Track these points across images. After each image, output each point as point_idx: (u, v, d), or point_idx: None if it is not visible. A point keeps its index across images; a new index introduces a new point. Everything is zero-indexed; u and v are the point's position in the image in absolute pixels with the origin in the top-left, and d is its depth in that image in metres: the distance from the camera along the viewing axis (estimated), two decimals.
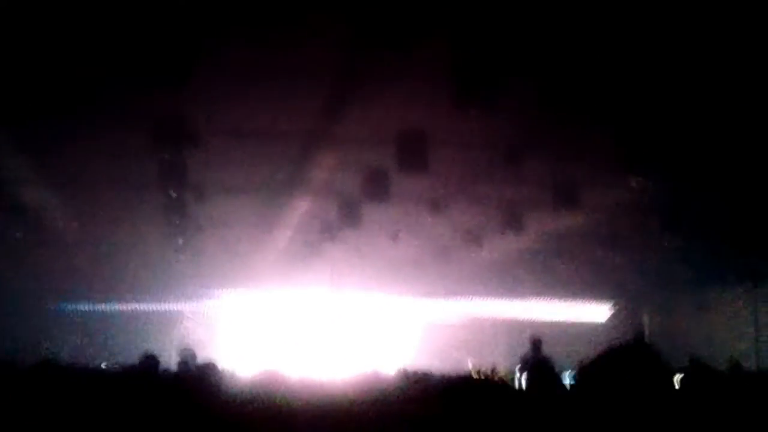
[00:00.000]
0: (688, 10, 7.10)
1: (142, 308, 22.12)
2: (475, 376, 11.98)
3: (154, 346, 12.99)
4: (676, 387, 7.58)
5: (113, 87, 8.92)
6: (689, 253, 16.51)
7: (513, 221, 14.69)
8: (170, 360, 12.06)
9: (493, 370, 15.02)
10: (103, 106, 9.65)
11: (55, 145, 11.20)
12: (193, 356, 10.53)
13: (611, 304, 23.78)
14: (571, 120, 9.91)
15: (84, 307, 22.01)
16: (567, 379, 11.78)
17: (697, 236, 15.01)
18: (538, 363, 12.76)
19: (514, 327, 21.10)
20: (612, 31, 7.72)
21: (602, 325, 23.56)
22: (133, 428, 5.23)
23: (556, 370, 12.38)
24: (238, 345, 22.24)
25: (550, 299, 22.55)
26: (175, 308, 22.89)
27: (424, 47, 7.67)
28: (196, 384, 7.59)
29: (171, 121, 10.12)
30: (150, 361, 9.68)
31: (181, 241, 16.54)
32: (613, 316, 23.63)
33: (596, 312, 23.93)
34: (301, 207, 14.79)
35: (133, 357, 11.09)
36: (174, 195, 12.95)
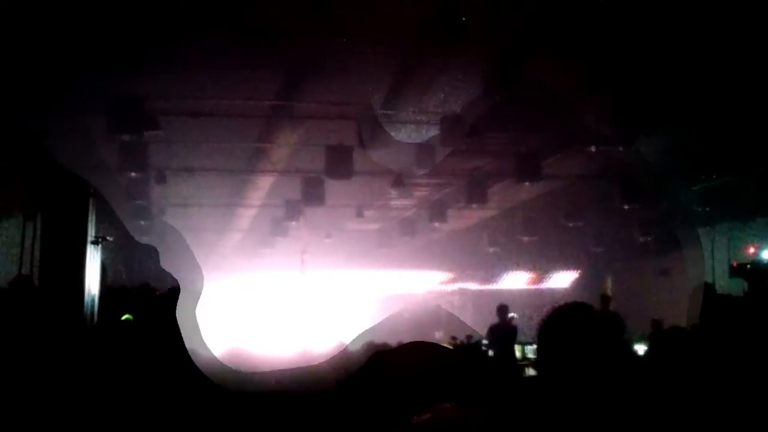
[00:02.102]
0: None
1: None
2: (449, 345, 12.06)
3: None
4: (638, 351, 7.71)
5: (73, 72, 8.84)
6: (649, 220, 16.72)
7: (476, 193, 14.73)
8: None
9: (469, 338, 15.16)
10: (64, 90, 9.60)
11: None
12: None
13: (574, 272, 24.03)
14: (530, 92, 9.97)
15: None
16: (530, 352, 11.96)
17: (655, 203, 15.22)
18: (504, 330, 12.95)
19: (481, 297, 21.30)
20: None
21: (566, 291, 23.81)
22: None
23: (523, 337, 12.61)
24: (204, 325, 22.12)
25: (516, 269, 22.75)
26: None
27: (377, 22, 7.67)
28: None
29: (130, 104, 10.06)
30: None
31: (143, 223, 16.41)
32: (576, 282, 23.88)
33: (560, 279, 24.18)
34: (264, 186, 14.75)
35: None
36: (134, 176, 12.84)
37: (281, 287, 23.16)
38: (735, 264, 13.22)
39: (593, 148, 11.22)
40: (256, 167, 13.53)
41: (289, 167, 13.31)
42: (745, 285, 12.04)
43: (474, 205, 15.34)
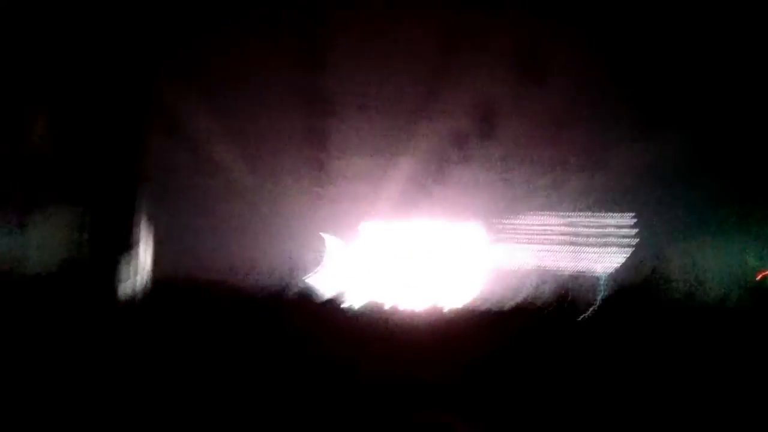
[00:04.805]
0: None
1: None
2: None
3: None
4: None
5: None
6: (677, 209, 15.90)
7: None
8: None
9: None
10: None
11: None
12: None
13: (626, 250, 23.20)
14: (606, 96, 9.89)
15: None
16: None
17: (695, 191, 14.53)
18: (566, 296, 12.63)
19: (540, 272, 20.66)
20: None
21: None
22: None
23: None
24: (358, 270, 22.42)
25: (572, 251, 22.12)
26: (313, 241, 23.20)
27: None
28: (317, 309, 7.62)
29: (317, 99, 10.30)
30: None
31: (319, 190, 16.97)
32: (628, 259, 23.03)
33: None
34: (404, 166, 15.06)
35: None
36: (316, 154, 13.36)
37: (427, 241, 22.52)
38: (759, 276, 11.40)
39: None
40: (399, 151, 13.77)
41: (421, 151, 13.55)
42: None
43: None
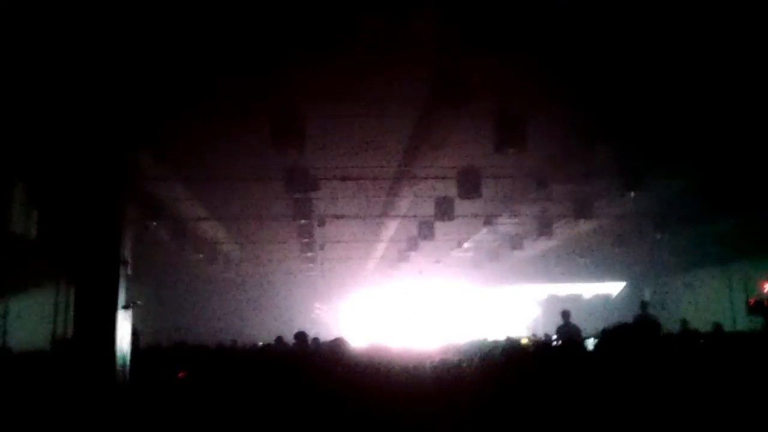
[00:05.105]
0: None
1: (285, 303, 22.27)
2: (529, 341, 11.70)
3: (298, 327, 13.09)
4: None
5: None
6: (677, 245, 15.98)
7: (544, 229, 14.47)
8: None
9: (546, 336, 14.72)
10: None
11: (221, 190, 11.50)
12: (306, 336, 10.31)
13: (620, 284, 23.19)
14: (585, 151, 9.72)
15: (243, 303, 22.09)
16: (590, 344, 11.44)
17: (682, 232, 14.53)
18: (567, 329, 12.55)
19: (550, 304, 20.80)
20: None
21: (614, 300, 22.98)
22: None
23: (582, 335, 12.13)
24: (353, 326, 22.34)
25: (575, 282, 22.11)
26: (309, 301, 23.09)
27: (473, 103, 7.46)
28: (328, 352, 7.51)
29: (300, 173, 10.21)
30: (301, 336, 9.87)
31: (310, 254, 16.74)
32: (622, 293, 23.03)
33: (609, 290, 23.38)
34: (391, 227, 14.88)
35: (286, 336, 11.23)
36: (303, 223, 13.13)
37: (406, 298, 23.18)
38: (752, 301, 11.29)
39: (631, 194, 10.77)
40: (386, 214, 13.66)
41: (409, 213, 13.40)
42: (763, 321, 10.35)
43: (542, 237, 15.02)
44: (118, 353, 7.75)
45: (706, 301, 17.80)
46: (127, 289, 8.28)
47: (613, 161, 10.03)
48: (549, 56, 6.71)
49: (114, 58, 6.40)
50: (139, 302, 8.58)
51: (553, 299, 21.39)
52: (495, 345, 7.95)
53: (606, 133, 8.74)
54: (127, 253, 8.54)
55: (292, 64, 6.69)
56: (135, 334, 8.49)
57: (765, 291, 12.22)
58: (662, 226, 14.06)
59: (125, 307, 8.10)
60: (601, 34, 6.31)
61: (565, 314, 12.41)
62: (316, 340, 11.10)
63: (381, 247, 17.32)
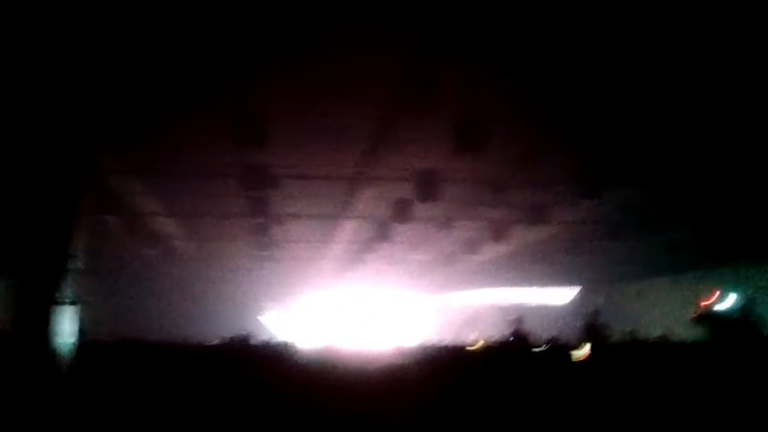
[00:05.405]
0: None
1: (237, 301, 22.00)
2: (479, 346, 11.80)
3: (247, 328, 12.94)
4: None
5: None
6: (630, 254, 16.30)
7: (499, 234, 14.58)
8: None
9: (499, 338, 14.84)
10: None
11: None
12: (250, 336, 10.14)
13: (573, 291, 23.54)
14: (542, 158, 9.83)
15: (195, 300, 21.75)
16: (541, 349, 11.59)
17: (634, 242, 14.83)
18: (520, 334, 12.68)
19: (504, 308, 21.00)
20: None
21: (566, 307, 23.32)
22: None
23: (534, 340, 12.28)
24: (307, 327, 22.21)
25: (529, 288, 22.37)
26: (261, 302, 22.91)
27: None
28: (275, 354, 7.46)
29: (258, 170, 10.09)
30: (247, 337, 9.75)
31: (264, 253, 16.56)
32: (575, 300, 23.38)
33: (562, 297, 23.71)
34: (348, 228, 14.81)
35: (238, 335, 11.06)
36: (259, 221, 12.98)
37: (360, 301, 23.17)
38: (697, 313, 11.10)
39: (586, 201, 10.94)
40: (342, 214, 13.58)
41: (366, 214, 13.34)
42: (709, 332, 10.27)
43: (498, 243, 15.14)
44: (58, 348, 7.56)
45: (656, 310, 18.21)
46: (76, 283, 8.16)
47: (570, 169, 10.18)
48: (509, 63, 6.78)
49: (68, 49, 6.24)
50: (85, 297, 8.41)
51: (508, 304, 21.61)
52: (445, 347, 8.00)
53: (563, 141, 8.87)
54: (77, 246, 8.36)
55: (255, 62, 6.63)
56: (81, 328, 8.27)
57: (711, 302, 12.50)
58: (616, 235, 14.33)
59: (70, 302, 7.92)
60: (561, 42, 6.37)
61: (518, 320, 12.52)
62: (266, 340, 10.98)
63: (337, 248, 17.21)
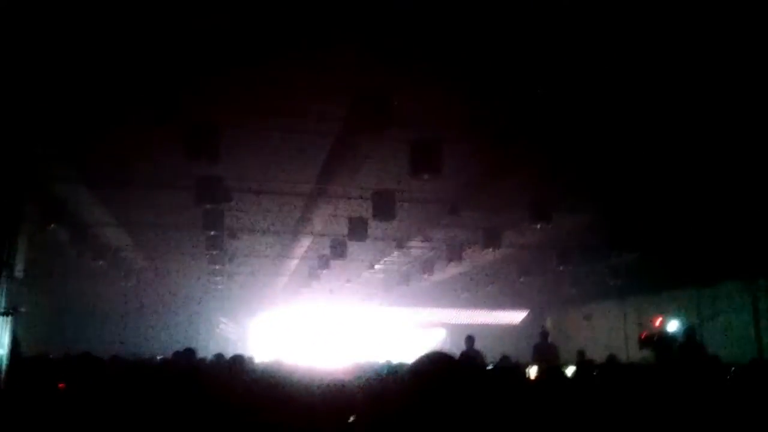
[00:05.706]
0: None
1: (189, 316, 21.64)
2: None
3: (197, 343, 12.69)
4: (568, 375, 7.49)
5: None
6: (577, 278, 16.62)
7: (454, 255, 14.72)
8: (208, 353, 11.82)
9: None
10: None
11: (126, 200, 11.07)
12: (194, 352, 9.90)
13: (523, 313, 23.81)
14: (495, 182, 9.99)
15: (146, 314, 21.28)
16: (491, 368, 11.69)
17: (582, 265, 15.14)
18: (471, 354, 12.79)
19: (456, 328, 21.12)
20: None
21: (517, 327, 23.55)
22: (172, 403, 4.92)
23: (485, 360, 12.38)
24: (261, 343, 21.96)
25: (481, 309, 22.54)
26: (214, 316, 22.58)
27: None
28: (222, 370, 7.29)
29: (212, 183, 9.98)
30: (191, 352, 9.55)
31: (218, 267, 16.36)
32: (525, 321, 23.64)
33: (512, 318, 23.94)
34: (304, 244, 14.76)
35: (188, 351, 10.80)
36: (213, 234, 12.82)
37: (316, 317, 23.01)
38: (643, 335, 11.46)
39: (537, 226, 11.14)
40: (299, 230, 13.55)
41: (322, 231, 13.34)
42: (654, 354, 10.70)
43: (452, 263, 15.29)
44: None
45: (602, 333, 18.54)
46: (14, 294, 7.88)
47: (522, 193, 10.37)
48: (466, 86, 6.90)
49: (13, 54, 6.10)
50: (22, 308, 8.07)
51: (459, 324, 21.74)
52: (398, 366, 7.97)
53: (515, 165, 9.05)
54: (15, 255, 8.09)
55: (211, 74, 6.59)
56: (15, 341, 7.96)
57: (656, 325, 12.80)
58: (564, 259, 14.63)
59: (4, 313, 7.60)
60: (516, 68, 6.52)
61: (470, 339, 12.63)
62: (218, 355, 10.80)
63: (292, 264, 17.13)
